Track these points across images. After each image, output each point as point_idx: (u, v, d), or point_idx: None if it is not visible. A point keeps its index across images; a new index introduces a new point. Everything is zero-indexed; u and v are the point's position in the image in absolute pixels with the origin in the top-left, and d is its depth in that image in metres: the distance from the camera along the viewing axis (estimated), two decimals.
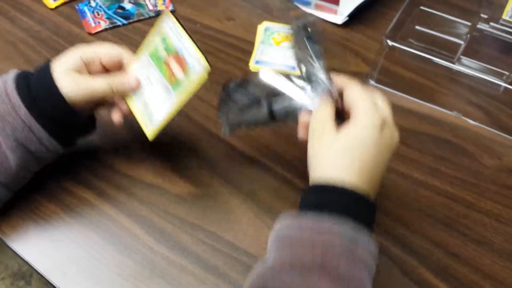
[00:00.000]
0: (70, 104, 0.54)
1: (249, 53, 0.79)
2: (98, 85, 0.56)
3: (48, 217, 0.59)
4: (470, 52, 0.74)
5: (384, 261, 0.56)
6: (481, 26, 0.77)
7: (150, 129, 0.57)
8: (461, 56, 0.71)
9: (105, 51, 0.58)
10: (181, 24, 0.54)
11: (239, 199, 0.61)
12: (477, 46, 0.76)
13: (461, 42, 0.75)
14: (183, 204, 0.61)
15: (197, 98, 0.66)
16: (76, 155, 0.64)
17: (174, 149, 0.66)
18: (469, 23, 0.77)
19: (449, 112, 0.71)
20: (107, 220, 0.59)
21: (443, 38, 0.76)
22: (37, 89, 0.55)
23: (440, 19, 0.78)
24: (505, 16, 0.77)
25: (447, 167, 0.65)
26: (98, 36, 0.82)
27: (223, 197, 0.61)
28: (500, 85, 0.68)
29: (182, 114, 0.64)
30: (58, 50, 0.79)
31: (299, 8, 0.87)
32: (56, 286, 0.54)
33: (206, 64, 0.52)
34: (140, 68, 0.58)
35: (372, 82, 0.74)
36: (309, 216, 0.45)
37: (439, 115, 0.71)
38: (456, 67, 0.69)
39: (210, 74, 0.74)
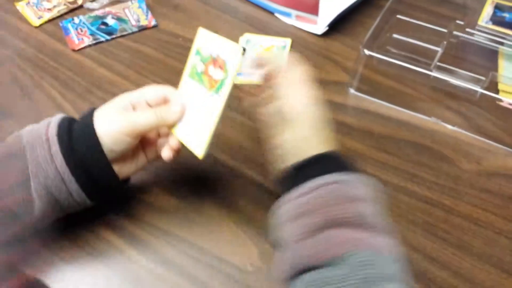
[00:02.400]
0: (110, 150, 0.53)
1: None
2: (143, 116, 0.54)
3: None
4: (447, 58, 0.75)
5: None
6: (458, 33, 0.78)
7: (201, 147, 0.54)
8: (438, 63, 0.73)
9: (150, 91, 0.57)
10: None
11: (222, 211, 0.62)
12: (454, 52, 0.77)
13: (438, 49, 0.76)
14: (166, 216, 0.62)
15: None
16: None
17: (157, 162, 0.67)
18: (445, 30, 0.79)
19: (427, 118, 0.72)
20: (88, 232, 0.60)
21: (420, 45, 0.78)
22: (78, 138, 0.53)
23: (417, 27, 0.80)
24: (481, 22, 0.78)
25: (426, 172, 0.66)
26: (82, 52, 0.83)
27: (205, 209, 0.62)
28: (477, 91, 0.69)
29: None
30: (43, 68, 0.80)
31: (279, 19, 0.88)
32: None
33: (238, 45, 0.51)
34: (183, 93, 0.57)
35: (352, 90, 0.75)
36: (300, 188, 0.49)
37: (418, 121, 0.72)
38: (434, 74, 0.70)
39: None
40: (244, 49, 0.51)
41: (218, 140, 0.69)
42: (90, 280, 0.56)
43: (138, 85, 0.77)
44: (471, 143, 0.70)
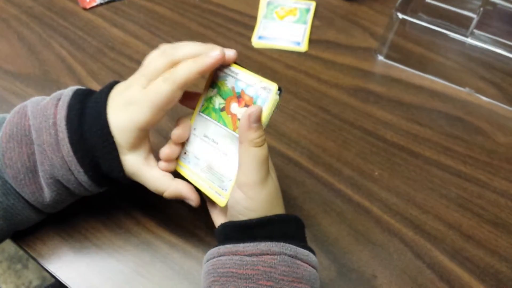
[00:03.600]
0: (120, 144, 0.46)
1: (251, 28, 0.75)
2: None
3: None
4: (482, 26, 0.70)
5: (396, 244, 0.54)
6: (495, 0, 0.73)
7: (224, 194, 0.46)
8: (475, 30, 0.68)
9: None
10: (235, 63, 0.47)
11: None
12: (489, 20, 0.72)
13: (474, 15, 0.72)
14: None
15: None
16: None
17: None
18: None
19: (461, 89, 0.68)
20: (108, 204, 0.56)
21: (454, 11, 0.73)
22: (90, 126, 0.45)
23: None
24: None
25: (459, 145, 0.62)
26: (93, 11, 0.78)
27: None
28: None
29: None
30: (52, 27, 0.76)
31: None
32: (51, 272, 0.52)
33: (275, 84, 0.44)
34: (195, 129, 0.49)
35: (381, 57, 0.71)
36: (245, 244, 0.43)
37: (451, 91, 0.68)
38: (470, 41, 0.66)
39: None
40: (280, 89, 0.44)
41: None
42: (108, 254, 0.53)
43: (152, 46, 0.73)
44: (507, 116, 0.66)
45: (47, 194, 0.47)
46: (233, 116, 0.46)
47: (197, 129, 0.48)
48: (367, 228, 0.55)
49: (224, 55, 0.45)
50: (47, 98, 0.48)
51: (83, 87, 0.49)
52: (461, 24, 0.70)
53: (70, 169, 0.45)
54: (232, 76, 0.46)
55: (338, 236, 0.54)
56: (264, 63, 0.71)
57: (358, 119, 0.64)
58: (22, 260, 1.32)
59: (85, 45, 0.74)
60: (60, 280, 0.52)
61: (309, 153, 0.61)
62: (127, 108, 0.44)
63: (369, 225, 0.55)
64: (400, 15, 0.67)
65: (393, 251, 0.53)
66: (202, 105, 0.48)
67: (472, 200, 0.58)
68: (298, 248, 0.43)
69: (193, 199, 0.48)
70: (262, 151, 0.43)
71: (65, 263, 0.52)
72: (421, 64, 0.70)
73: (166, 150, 0.48)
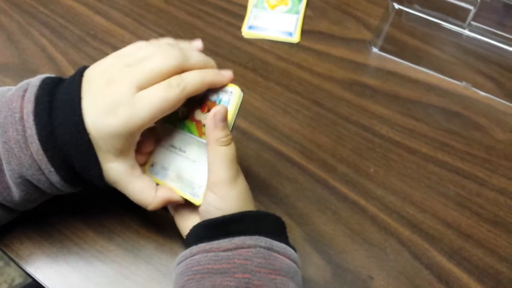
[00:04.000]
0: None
1: (241, 18, 0.72)
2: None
3: None
4: (480, 18, 0.68)
5: (393, 244, 0.52)
6: None
7: (199, 195, 0.45)
8: (472, 22, 0.66)
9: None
10: None
11: None
12: (487, 12, 0.70)
13: (471, 7, 0.69)
14: None
15: None
16: None
17: None
18: None
19: (458, 83, 0.66)
20: (89, 202, 0.53)
21: (451, 3, 0.70)
22: (61, 119, 0.41)
23: None
24: None
25: (457, 141, 0.60)
26: None
27: None
28: None
29: None
30: (31, 14, 0.72)
31: None
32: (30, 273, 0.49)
33: (236, 87, 0.45)
34: (161, 140, 0.47)
35: (375, 50, 0.68)
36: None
37: (448, 85, 0.66)
38: (467, 33, 0.64)
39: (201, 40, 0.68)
40: (242, 90, 0.46)
41: None
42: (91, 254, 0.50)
43: (137, 36, 0.70)
44: (505, 111, 0.64)
45: (16, 193, 0.43)
46: (198, 122, 0.46)
47: (163, 140, 0.47)
48: (363, 227, 0.53)
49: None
50: (13, 88, 0.44)
51: (51, 75, 0.45)
52: (458, 16, 0.68)
53: (40, 169, 0.41)
54: None
55: (333, 235, 0.52)
56: (255, 54, 0.68)
57: (353, 113, 0.62)
58: (4, 258, 1.28)
59: (66, 33, 0.70)
60: (39, 281, 0.49)
61: (302, 148, 0.58)
62: (115, 110, 0.39)
63: (365, 224, 0.53)
64: (396, 5, 0.65)
65: (389, 251, 0.51)
66: (165, 118, 0.45)
67: (470, 198, 0.56)
68: (273, 241, 0.41)
69: (179, 200, 0.46)
70: (230, 150, 0.43)
71: (44, 263, 0.49)
72: (416, 57, 0.68)
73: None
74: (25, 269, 0.49)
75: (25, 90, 0.42)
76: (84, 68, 0.43)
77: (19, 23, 0.71)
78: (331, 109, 0.62)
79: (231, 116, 0.45)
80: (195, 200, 0.45)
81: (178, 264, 0.42)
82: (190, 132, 0.46)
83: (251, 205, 0.45)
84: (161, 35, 0.70)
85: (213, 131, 0.42)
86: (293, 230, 0.52)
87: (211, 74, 0.44)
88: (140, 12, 0.73)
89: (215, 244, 0.41)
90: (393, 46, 0.68)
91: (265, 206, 0.54)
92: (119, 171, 0.43)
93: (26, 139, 0.40)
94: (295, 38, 0.69)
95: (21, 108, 0.41)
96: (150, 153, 0.47)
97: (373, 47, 0.68)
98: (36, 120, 0.40)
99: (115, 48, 0.67)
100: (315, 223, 0.53)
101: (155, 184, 0.45)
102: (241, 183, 0.44)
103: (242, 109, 0.61)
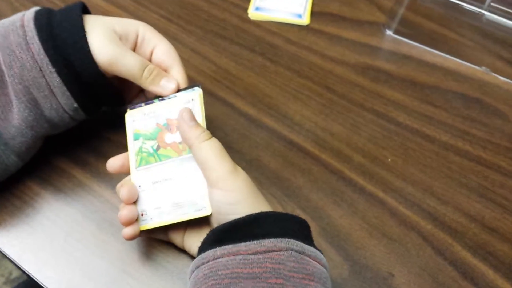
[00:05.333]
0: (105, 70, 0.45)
1: None
2: (132, 62, 0.45)
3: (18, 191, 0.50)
4: (499, 1, 0.65)
5: (414, 239, 0.48)
6: None
7: (206, 210, 0.42)
8: (492, 3, 0.62)
9: (160, 49, 0.48)
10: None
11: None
12: None
13: None
14: None
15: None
16: None
17: None
18: None
19: (476, 68, 0.62)
20: (86, 192, 0.50)
21: None
22: (60, 23, 0.44)
23: None
24: None
25: (478, 129, 0.57)
26: None
27: None
28: None
29: None
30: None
31: None
32: (28, 273, 0.46)
33: (196, 90, 0.45)
34: (140, 185, 0.44)
35: (389, 32, 0.65)
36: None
37: (466, 70, 0.62)
38: (487, 14, 0.60)
39: (205, 22, 0.64)
40: (199, 86, 0.46)
41: (234, 85, 0.59)
42: (91, 252, 0.47)
43: (137, 17, 0.66)
44: None
45: (16, 110, 0.44)
46: (173, 145, 0.44)
47: (142, 184, 0.44)
48: (382, 221, 0.49)
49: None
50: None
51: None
52: None
53: (41, 70, 0.43)
54: (150, 116, 0.45)
55: (350, 230, 0.49)
56: (262, 37, 0.64)
57: (367, 100, 0.58)
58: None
59: None
60: (36, 280, 0.46)
61: (314, 137, 0.55)
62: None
63: (384, 217, 0.50)
64: None
65: (411, 246, 0.48)
66: (136, 161, 0.45)
67: (494, 189, 0.52)
68: (304, 244, 0.38)
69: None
70: (215, 142, 0.42)
71: (41, 260, 0.46)
72: (433, 40, 0.64)
73: (124, 212, 0.42)
74: (21, 267, 0.46)
75: (24, 13, 0.45)
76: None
77: (11, 4, 0.67)
78: (344, 95, 0.59)
79: (201, 119, 0.44)
80: (204, 213, 0.42)
81: (198, 267, 0.38)
82: (169, 157, 0.44)
83: (258, 191, 0.42)
84: (163, 16, 0.66)
85: (189, 132, 0.42)
86: None
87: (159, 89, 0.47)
88: None
89: (242, 246, 0.37)
90: (408, 28, 0.65)
91: (276, 198, 0.50)
92: (108, 49, 0.45)
93: (27, 41, 0.43)
94: (305, 20, 0.66)
95: (22, 19, 0.44)
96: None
97: (387, 30, 0.65)
98: (36, 24, 0.43)
99: None
100: (330, 216, 0.49)
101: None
102: (241, 171, 0.42)
103: (250, 96, 0.58)
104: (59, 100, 0.44)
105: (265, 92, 0.59)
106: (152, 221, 0.43)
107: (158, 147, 0.44)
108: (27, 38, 0.43)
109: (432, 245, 0.48)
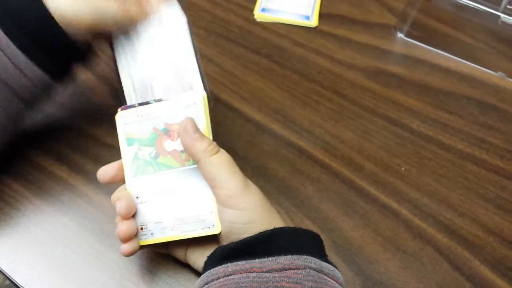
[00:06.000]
0: (64, 21, 0.39)
1: None
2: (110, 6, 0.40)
3: (11, 199, 0.47)
4: None
5: (430, 253, 0.46)
6: None
7: (214, 228, 0.38)
8: (508, 6, 0.60)
9: None
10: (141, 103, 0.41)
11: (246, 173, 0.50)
12: None
13: None
14: None
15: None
16: (47, 121, 0.51)
17: None
18: None
19: (492, 72, 0.60)
20: (83, 201, 0.47)
21: None
22: None
23: None
24: None
25: (495, 137, 0.54)
26: None
27: None
28: None
29: None
30: None
31: None
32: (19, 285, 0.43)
33: (200, 94, 0.40)
34: (138, 197, 0.41)
35: (401, 35, 0.62)
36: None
37: (481, 75, 0.60)
38: (503, 16, 0.58)
39: (209, 23, 0.62)
40: (207, 94, 0.41)
41: (240, 89, 0.56)
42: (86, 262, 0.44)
43: None
44: None
45: None
46: (173, 153, 0.40)
47: (140, 195, 0.40)
48: (396, 233, 0.47)
49: None
50: None
51: None
52: (491, 1, 0.62)
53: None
54: (145, 119, 0.41)
55: (362, 243, 0.46)
56: (269, 39, 0.62)
57: (379, 105, 0.56)
58: None
59: None
60: None
61: (324, 144, 0.52)
62: None
63: (398, 230, 0.47)
64: None
65: (426, 261, 0.45)
66: (131, 169, 0.40)
67: None
68: (322, 262, 0.35)
69: None
70: (224, 155, 0.38)
71: (35, 272, 0.43)
72: (446, 44, 0.62)
73: (123, 228, 0.38)
74: (13, 280, 0.43)
75: None
76: None
77: None
78: (355, 101, 0.56)
79: (205, 127, 0.39)
80: (213, 231, 0.38)
81: (207, 283, 0.35)
82: (170, 167, 0.40)
83: (271, 206, 0.39)
84: None
85: (193, 146, 0.38)
86: None
87: None
88: None
89: (257, 263, 0.34)
90: (420, 31, 0.62)
91: (284, 209, 0.48)
92: None
93: None
94: (313, 22, 0.63)
95: None
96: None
97: (398, 33, 0.62)
98: None
99: None
100: (341, 228, 0.47)
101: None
102: (254, 186, 0.39)
103: (256, 100, 0.55)
104: (27, 74, 0.40)
105: (272, 96, 0.56)
106: (153, 236, 0.40)
107: (157, 155, 0.40)
108: None
109: (449, 260, 0.46)
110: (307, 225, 0.47)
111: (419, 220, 0.48)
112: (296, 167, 0.51)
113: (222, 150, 0.38)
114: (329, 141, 0.53)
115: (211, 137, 0.39)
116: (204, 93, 0.41)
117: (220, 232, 0.38)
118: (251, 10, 0.64)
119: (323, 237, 0.45)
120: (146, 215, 0.40)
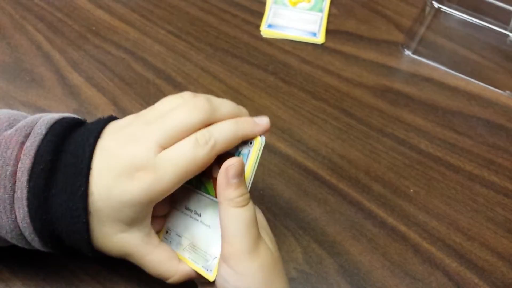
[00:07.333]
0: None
1: (259, 15, 0.65)
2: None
3: None
4: None
5: (439, 278, 0.45)
6: None
7: (210, 274, 0.36)
8: None
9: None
10: None
11: (254, 197, 0.49)
12: None
13: None
14: None
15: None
16: None
17: None
18: None
19: (501, 92, 0.59)
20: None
21: (493, 4, 0.64)
22: (60, 187, 0.33)
23: None
24: None
25: (504, 158, 0.54)
26: None
27: None
28: None
29: None
30: (26, 6, 0.65)
31: None
32: None
33: (258, 137, 0.37)
34: (176, 201, 0.40)
35: (408, 53, 0.62)
36: None
37: (490, 94, 0.59)
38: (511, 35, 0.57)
39: (215, 39, 0.61)
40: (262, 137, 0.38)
41: (245, 106, 0.55)
42: None
43: (144, 33, 0.63)
44: None
45: None
46: (215, 180, 0.36)
47: (177, 201, 0.39)
48: (404, 258, 0.46)
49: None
50: (19, 116, 0.37)
51: (66, 115, 0.37)
52: (500, 18, 0.61)
53: (22, 234, 0.34)
54: None
55: (370, 268, 0.45)
56: (275, 56, 0.61)
57: (387, 124, 0.55)
58: None
59: (64, 29, 0.63)
60: None
61: (331, 164, 0.52)
62: (133, 175, 0.32)
63: (407, 254, 0.46)
64: (436, 4, 0.58)
65: (435, 286, 0.45)
66: None
67: None
68: None
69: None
70: (247, 212, 0.35)
71: None
72: (454, 63, 0.61)
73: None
74: None
75: (27, 136, 0.34)
76: (105, 121, 0.36)
77: (11, 16, 0.64)
78: (362, 120, 0.55)
79: (249, 171, 0.37)
80: (207, 275, 0.37)
81: None
82: (207, 192, 0.38)
83: (280, 277, 0.36)
84: (171, 32, 0.63)
85: (225, 189, 0.35)
86: (325, 261, 0.45)
87: (245, 125, 0.36)
88: (147, 7, 0.66)
89: None
90: (428, 49, 0.62)
91: (291, 231, 0.47)
92: (134, 242, 0.35)
93: (14, 201, 0.33)
94: (320, 38, 0.63)
95: (17, 160, 0.33)
96: (165, 216, 0.40)
97: (406, 50, 0.62)
98: (30, 183, 0.33)
99: (119, 46, 0.60)
100: (349, 252, 0.46)
101: (175, 253, 0.38)
102: (264, 253, 0.35)
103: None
104: (36, 248, 0.36)
105: (277, 114, 0.55)
106: (170, 245, 0.38)
107: (203, 174, 0.37)
108: (15, 196, 0.33)
109: (458, 285, 0.45)
110: (314, 248, 0.46)
111: (428, 244, 0.47)
112: (302, 188, 0.50)
113: (249, 207, 0.35)
114: (336, 161, 0.52)
115: (250, 184, 0.37)
116: (263, 138, 0.38)
117: (214, 282, 0.36)
118: (258, 26, 0.64)
119: (331, 261, 0.45)
120: (174, 222, 0.39)
